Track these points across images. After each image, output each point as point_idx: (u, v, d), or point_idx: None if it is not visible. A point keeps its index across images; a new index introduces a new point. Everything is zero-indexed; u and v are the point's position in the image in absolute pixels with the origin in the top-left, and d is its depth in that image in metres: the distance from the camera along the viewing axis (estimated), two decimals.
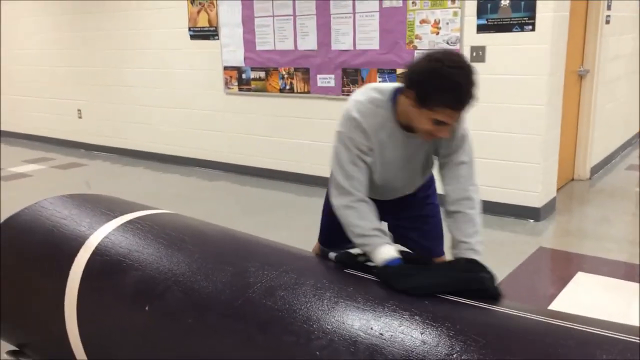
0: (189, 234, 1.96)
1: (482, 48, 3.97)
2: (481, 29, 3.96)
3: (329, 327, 1.47)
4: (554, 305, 2.83)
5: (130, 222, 2.03)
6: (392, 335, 1.41)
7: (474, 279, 1.60)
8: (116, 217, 2.05)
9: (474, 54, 4.00)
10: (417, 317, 1.46)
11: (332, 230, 1.99)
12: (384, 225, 1.94)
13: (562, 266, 3.44)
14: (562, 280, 3.12)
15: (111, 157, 6.58)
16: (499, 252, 3.53)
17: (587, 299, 2.92)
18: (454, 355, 1.32)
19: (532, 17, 3.73)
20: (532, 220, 4.01)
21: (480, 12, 3.94)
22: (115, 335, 1.82)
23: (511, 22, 3.82)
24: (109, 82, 6.49)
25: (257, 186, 5.20)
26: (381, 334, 1.42)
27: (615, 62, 5.29)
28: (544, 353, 1.30)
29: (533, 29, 3.75)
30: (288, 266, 1.76)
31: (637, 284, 3.06)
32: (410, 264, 1.69)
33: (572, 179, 5.01)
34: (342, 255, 1.84)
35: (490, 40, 3.94)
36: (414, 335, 1.40)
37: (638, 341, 1.30)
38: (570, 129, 4.86)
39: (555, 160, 4.15)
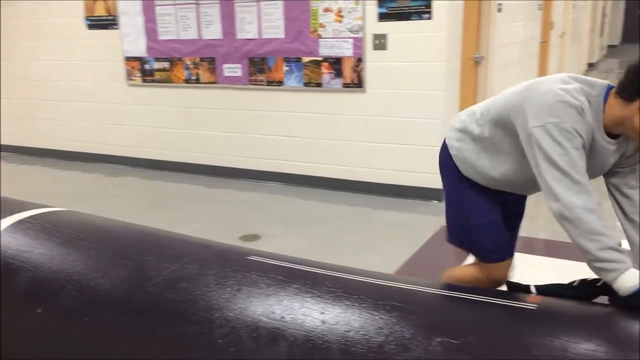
0: (85, 230, 1.89)
1: (384, 36, 4.09)
2: (382, 17, 4.07)
3: (231, 314, 1.48)
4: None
5: (20, 221, 1.92)
6: (293, 318, 1.44)
7: None
8: (4, 217, 1.94)
9: (376, 42, 4.10)
10: (319, 298, 1.50)
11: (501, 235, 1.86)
12: None
13: None
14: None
15: (7, 157, 6.17)
16: (404, 232, 3.68)
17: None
18: (351, 333, 1.36)
19: (429, 5, 3.88)
20: (435, 201, 4.19)
21: (381, 1, 4.04)
22: (9, 339, 1.73)
23: (410, 10, 3.95)
24: (7, 76, 6.06)
25: (166, 180, 5.07)
26: (282, 317, 1.45)
27: (507, 49, 5.61)
28: (437, 323, 1.38)
29: (430, 17, 3.90)
30: (191, 257, 1.74)
31: (532, 256, 3.29)
32: None
33: None
34: (569, 288, 1.56)
35: (392, 28, 4.06)
36: (314, 316, 1.43)
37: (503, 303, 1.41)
38: None
39: None
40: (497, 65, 5.32)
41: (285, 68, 4.49)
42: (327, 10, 4.22)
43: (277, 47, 4.50)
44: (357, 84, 4.24)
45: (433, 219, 3.90)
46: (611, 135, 1.58)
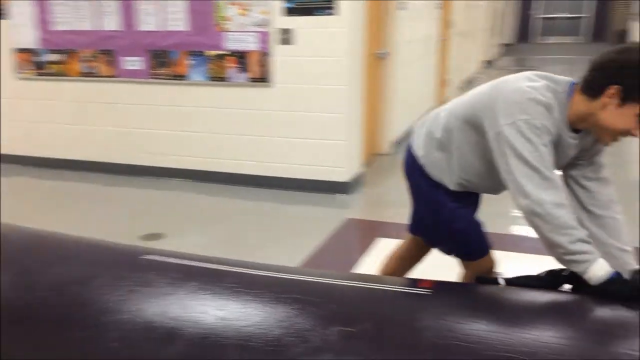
0: None
1: (290, 31, 4.09)
2: (288, 12, 4.07)
3: (125, 317, 1.43)
4: (358, 270, 3.06)
5: None
6: (190, 316, 1.41)
7: None
8: None
9: (282, 37, 4.10)
10: (217, 295, 1.48)
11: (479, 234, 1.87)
12: None
13: (366, 234, 3.72)
14: (365, 247, 3.39)
15: None
16: (311, 226, 3.71)
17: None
18: (250, 328, 1.36)
19: (333, 1, 3.93)
20: (342, 194, 4.27)
21: None
22: None
23: (315, 5, 3.98)
24: None
25: (59, 179, 4.80)
26: (179, 316, 1.41)
27: (410, 46, 5.81)
28: (336, 312, 1.41)
29: (334, 13, 3.95)
30: (82, 259, 1.66)
31: None
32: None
33: (378, 154, 5.43)
34: (535, 278, 1.60)
35: (297, 23, 4.07)
36: (211, 313, 1.41)
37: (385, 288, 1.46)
38: (374, 107, 5.24)
39: (359, 136, 4.45)
40: (401, 61, 5.50)
41: (189, 62, 4.39)
42: (232, 3, 4.16)
43: (181, 40, 4.38)
44: (264, 78, 4.22)
45: (339, 212, 3.97)
46: (574, 130, 1.62)
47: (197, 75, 4.39)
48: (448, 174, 1.82)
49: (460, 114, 1.74)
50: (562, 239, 1.48)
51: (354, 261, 3.19)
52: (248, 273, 1.61)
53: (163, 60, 4.46)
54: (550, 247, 1.52)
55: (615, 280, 1.45)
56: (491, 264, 1.95)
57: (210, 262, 1.70)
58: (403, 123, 5.90)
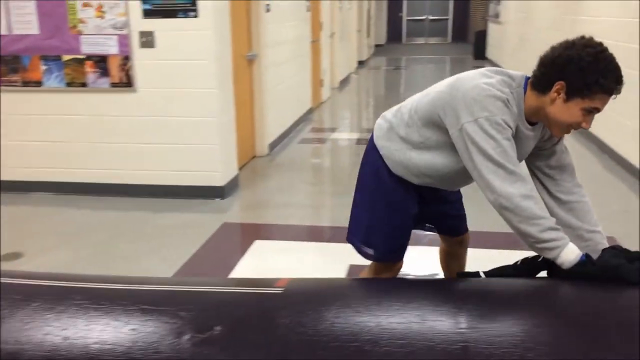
0: None
1: (151, 33, 3.96)
2: (148, 14, 3.93)
3: None
4: (235, 274, 3.04)
5: None
6: (30, 339, 1.32)
7: None
8: None
9: (143, 40, 3.96)
10: (62, 314, 1.40)
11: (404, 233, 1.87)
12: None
13: (243, 237, 3.70)
14: (242, 250, 3.37)
15: None
16: (186, 233, 3.62)
17: (262, 263, 3.21)
18: (96, 345, 1.29)
19: (194, 3, 3.85)
20: (218, 199, 4.21)
21: None
22: None
23: (175, 7, 3.89)
24: None
25: None
26: (18, 340, 1.31)
27: (280, 47, 5.86)
28: (187, 320, 1.37)
29: (196, 15, 3.88)
30: None
31: (309, 243, 3.51)
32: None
33: (254, 156, 5.42)
34: (511, 267, 1.64)
35: (158, 25, 3.95)
36: (55, 334, 1.33)
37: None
38: (247, 109, 5.23)
39: (234, 140, 4.42)
40: (271, 62, 5.53)
41: (44, 67, 4.10)
42: (86, 5, 3.94)
43: (32, 44, 4.07)
44: (127, 83, 4.05)
45: (216, 217, 3.91)
46: (531, 122, 1.67)
47: (53, 81, 4.11)
48: (412, 168, 1.81)
49: (421, 111, 1.76)
50: (532, 229, 1.53)
51: (231, 265, 3.16)
52: (97, 288, 1.53)
53: (14, 66, 4.13)
54: (522, 237, 1.56)
55: (585, 262, 1.52)
56: (397, 270, 1.98)
57: (57, 280, 1.59)
58: (279, 125, 5.94)
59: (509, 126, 1.58)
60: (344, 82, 10.87)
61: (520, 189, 1.54)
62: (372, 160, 1.89)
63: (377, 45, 18.54)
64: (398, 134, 1.82)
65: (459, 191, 2.08)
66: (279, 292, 1.48)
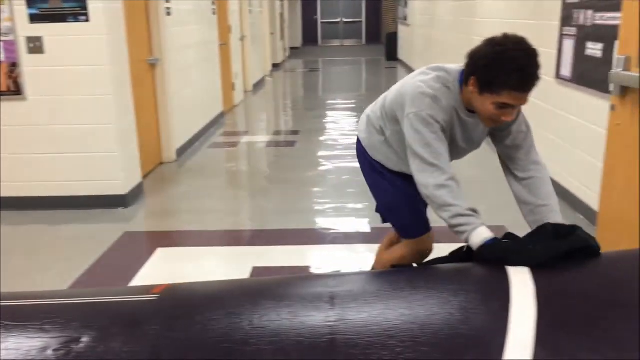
0: None
1: (39, 39, 3.78)
2: (35, 19, 3.76)
3: None
4: (134, 283, 2.96)
5: None
6: None
7: (577, 239, 1.52)
8: None
9: (31, 45, 3.78)
10: None
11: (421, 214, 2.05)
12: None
13: (146, 246, 3.62)
14: (144, 259, 3.30)
15: None
16: (85, 244, 3.49)
17: (164, 271, 3.15)
18: None
19: (84, 7, 3.72)
20: (120, 208, 4.09)
21: (30, 2, 3.73)
22: None
23: (64, 12, 3.74)
24: None
25: None
26: None
27: (185, 51, 5.78)
28: (52, 334, 1.33)
29: (87, 20, 3.75)
30: None
31: (213, 248, 3.48)
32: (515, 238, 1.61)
33: (161, 163, 5.31)
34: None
35: (47, 30, 3.78)
36: None
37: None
38: (151, 115, 5.11)
39: (135, 146, 4.30)
40: (176, 67, 5.44)
41: None
42: None
43: None
44: (15, 91, 3.85)
45: (118, 226, 3.79)
46: (471, 110, 1.79)
47: None
48: (389, 156, 2.04)
49: (387, 108, 1.96)
50: (444, 215, 1.69)
51: (130, 275, 3.08)
52: None
53: None
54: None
55: (489, 245, 1.58)
56: (427, 246, 2.15)
57: None
58: (187, 130, 5.85)
59: (436, 120, 1.72)
60: (258, 85, 10.86)
61: (437, 179, 1.69)
62: (360, 151, 2.18)
63: (292, 48, 18.67)
64: (374, 127, 2.07)
65: None
66: (153, 299, 1.47)
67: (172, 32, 5.30)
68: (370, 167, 2.15)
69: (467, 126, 1.83)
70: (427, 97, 1.73)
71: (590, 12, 3.53)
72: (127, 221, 3.96)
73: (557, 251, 1.45)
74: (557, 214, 1.77)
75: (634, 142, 2.51)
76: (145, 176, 4.70)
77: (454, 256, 1.70)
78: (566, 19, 3.90)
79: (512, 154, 1.87)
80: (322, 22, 22.90)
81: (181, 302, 1.46)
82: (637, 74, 2.48)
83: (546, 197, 1.80)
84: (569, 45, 3.86)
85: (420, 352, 1.29)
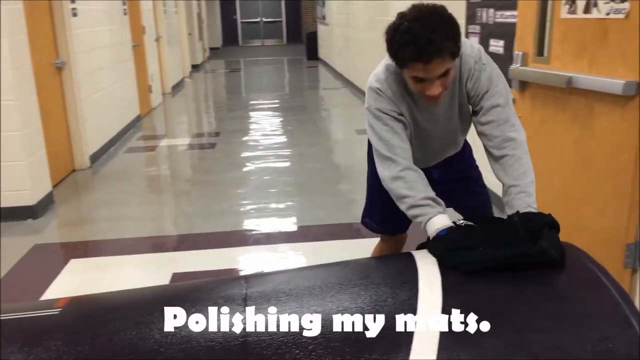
0: None
1: None
2: None
3: None
4: (45, 297, 2.81)
5: None
6: None
7: (536, 252, 1.42)
8: None
9: None
10: None
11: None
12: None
13: (57, 258, 3.44)
14: (56, 272, 3.14)
15: None
16: None
17: (77, 283, 3.02)
18: None
19: None
20: (30, 219, 3.88)
21: None
22: None
23: None
24: None
25: None
26: None
27: (94, 53, 5.55)
28: None
29: None
30: None
31: (130, 256, 3.36)
32: (469, 232, 1.55)
33: (73, 170, 5.07)
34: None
35: None
36: None
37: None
38: (59, 120, 4.88)
39: (43, 154, 4.09)
40: (85, 69, 5.21)
41: None
42: None
43: None
44: None
45: (26, 239, 3.59)
46: None
47: None
48: None
49: None
50: (402, 206, 1.69)
51: (41, 289, 2.92)
52: None
53: None
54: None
55: (440, 237, 1.56)
56: (394, 249, 2.18)
57: None
58: (101, 135, 5.63)
59: (385, 112, 1.71)
60: (177, 87, 10.62)
61: (392, 171, 1.69)
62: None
63: (212, 49, 18.39)
64: None
65: (479, 172, 2.12)
66: (55, 312, 1.40)
67: (79, 34, 5.08)
68: (369, 153, 2.07)
69: (427, 108, 1.74)
70: (372, 92, 1.73)
71: (491, 11, 3.71)
72: (37, 233, 3.76)
73: (493, 263, 1.43)
74: (526, 196, 1.63)
75: (534, 135, 2.66)
76: (55, 185, 4.48)
77: (422, 247, 1.68)
78: (471, 18, 4.07)
79: (487, 131, 1.73)
80: (242, 22, 22.69)
81: (86, 314, 1.40)
82: (534, 69, 2.63)
83: (518, 176, 1.67)
84: (474, 42, 4.03)
85: (331, 347, 1.31)
